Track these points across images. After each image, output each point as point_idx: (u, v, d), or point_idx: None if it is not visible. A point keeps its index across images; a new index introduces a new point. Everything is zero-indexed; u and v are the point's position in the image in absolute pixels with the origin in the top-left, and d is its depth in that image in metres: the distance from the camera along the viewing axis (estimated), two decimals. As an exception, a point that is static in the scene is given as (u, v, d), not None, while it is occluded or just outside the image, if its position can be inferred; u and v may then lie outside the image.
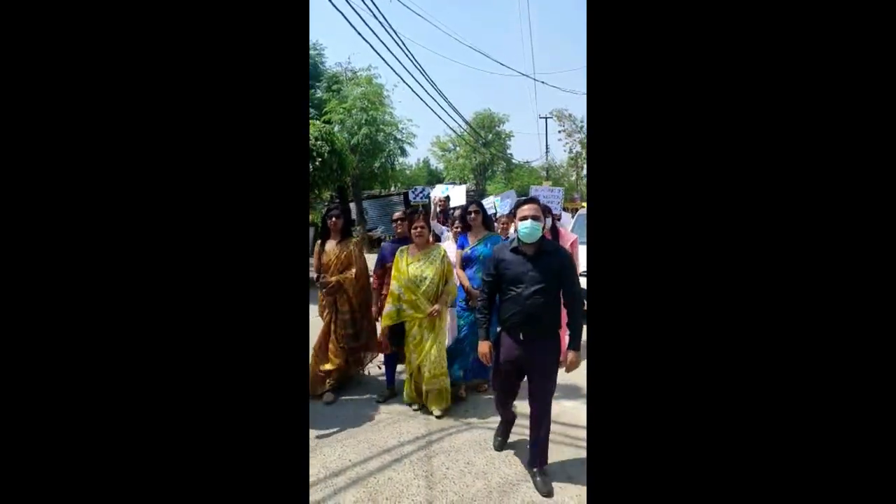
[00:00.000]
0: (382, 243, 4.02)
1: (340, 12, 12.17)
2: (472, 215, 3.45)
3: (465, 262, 3.44)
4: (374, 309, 3.42)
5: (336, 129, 12.11)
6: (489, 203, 6.93)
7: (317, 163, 7.75)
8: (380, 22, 8.04)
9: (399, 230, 3.53)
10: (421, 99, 47.03)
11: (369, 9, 10.98)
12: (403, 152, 15.43)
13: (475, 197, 7.24)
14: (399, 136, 14.44)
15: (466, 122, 19.97)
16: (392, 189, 17.21)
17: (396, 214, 3.59)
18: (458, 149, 27.53)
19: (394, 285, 3.16)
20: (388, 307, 3.17)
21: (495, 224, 3.86)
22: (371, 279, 3.49)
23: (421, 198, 6.14)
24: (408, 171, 24.24)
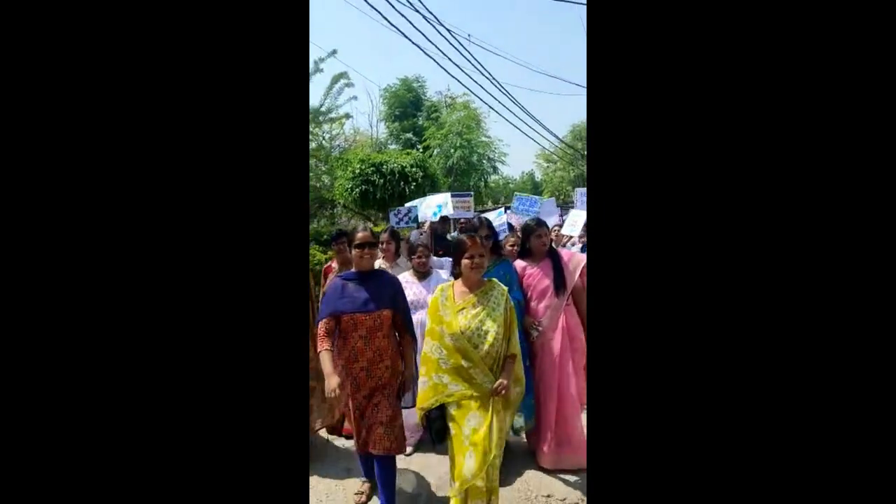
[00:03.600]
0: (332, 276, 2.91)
1: (440, 50, 13.61)
2: (483, 241, 2.39)
3: None
4: (330, 382, 2.05)
5: (436, 152, 13.52)
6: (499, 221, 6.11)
7: (412, 186, 9.07)
8: (470, 62, 9.16)
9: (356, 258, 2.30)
10: (512, 124, 47.70)
11: (462, 52, 12.24)
12: (496, 170, 16.41)
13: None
14: (492, 156, 15.47)
15: (558, 138, 20.46)
16: (489, 205, 18.25)
17: (360, 236, 2.25)
18: (559, 161, 27.73)
19: (430, 346, 2.05)
20: (423, 382, 2.06)
21: (507, 245, 3.11)
22: (320, 334, 2.19)
23: (406, 223, 5.26)
24: (511, 185, 25.09)
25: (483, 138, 14.92)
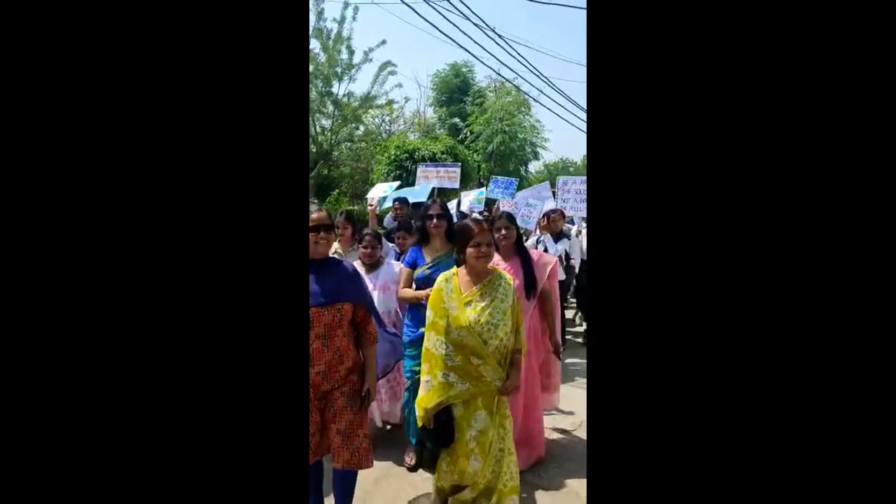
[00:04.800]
0: None
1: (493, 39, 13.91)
2: (434, 221, 2.49)
3: (417, 288, 2.49)
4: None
5: (481, 137, 14.09)
6: (469, 200, 5.56)
7: (439, 172, 9.79)
8: (518, 61, 9.59)
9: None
10: (556, 114, 46.34)
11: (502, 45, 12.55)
12: (536, 156, 16.66)
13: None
14: (534, 141, 15.73)
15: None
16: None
17: (313, 217, 1.94)
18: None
19: (434, 341, 1.94)
20: (426, 381, 1.92)
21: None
22: None
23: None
24: (551, 169, 25.02)
25: (526, 124, 15.19)
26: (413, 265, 2.58)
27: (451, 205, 6.05)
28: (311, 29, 12.31)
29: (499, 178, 6.32)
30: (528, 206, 4.95)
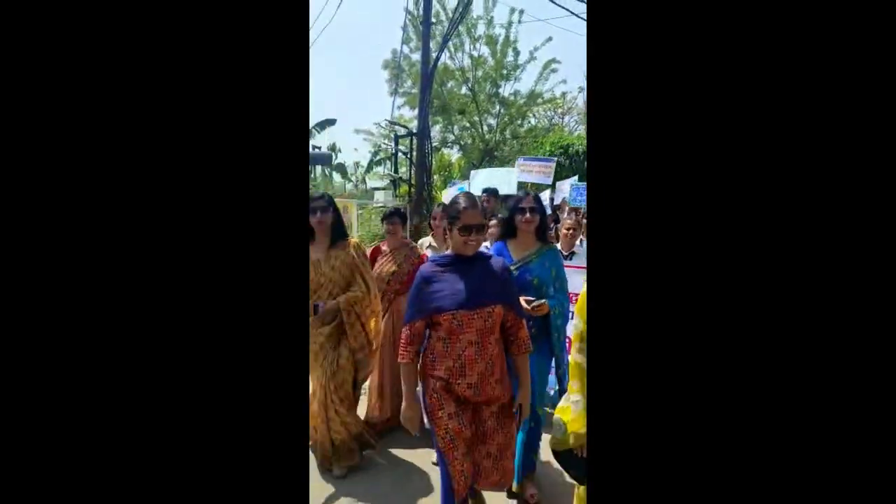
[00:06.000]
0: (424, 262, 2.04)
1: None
2: (526, 216, 2.11)
3: None
4: (406, 410, 1.73)
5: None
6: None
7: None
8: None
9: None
10: None
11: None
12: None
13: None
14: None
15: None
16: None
17: (469, 215, 1.68)
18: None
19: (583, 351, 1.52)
20: (576, 401, 1.53)
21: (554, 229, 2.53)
22: (403, 341, 1.72)
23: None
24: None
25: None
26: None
27: (544, 195, 5.99)
28: (482, 37, 13.41)
29: (580, 184, 6.12)
30: None
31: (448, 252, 1.79)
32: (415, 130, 8.70)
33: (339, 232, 2.37)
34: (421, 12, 8.19)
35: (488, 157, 14.08)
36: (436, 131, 15.08)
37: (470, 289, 1.66)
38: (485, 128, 14.45)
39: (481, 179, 6.26)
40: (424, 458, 2.54)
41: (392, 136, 10.86)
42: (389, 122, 11.09)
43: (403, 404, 1.73)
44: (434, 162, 10.85)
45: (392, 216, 2.91)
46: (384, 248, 2.91)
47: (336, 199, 2.66)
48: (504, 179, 6.13)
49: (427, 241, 3.14)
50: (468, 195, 1.75)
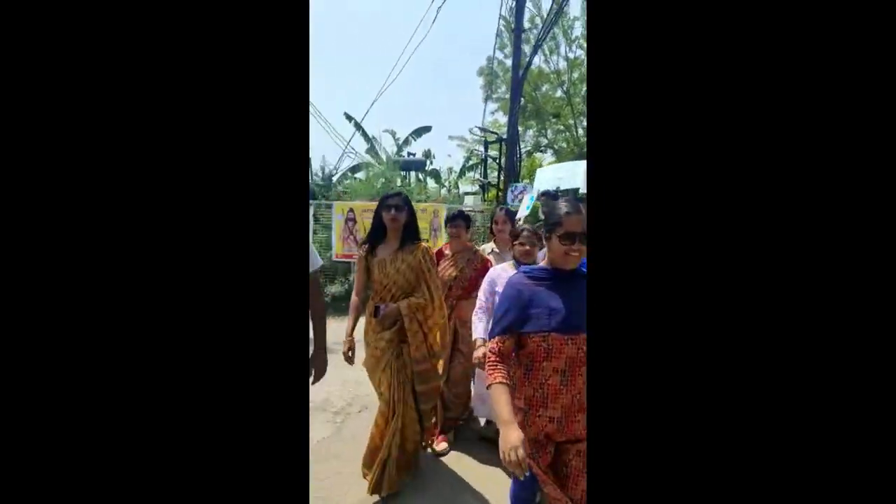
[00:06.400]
0: (494, 265, 2.58)
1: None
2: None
3: None
4: (509, 436, 1.32)
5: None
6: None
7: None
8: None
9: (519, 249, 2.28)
10: None
11: None
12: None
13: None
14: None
15: None
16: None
17: (572, 221, 1.49)
18: None
19: None
20: None
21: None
22: (493, 358, 1.49)
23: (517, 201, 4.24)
24: None
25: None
26: None
27: None
28: (579, 39, 13.08)
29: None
30: None
31: (543, 264, 1.59)
32: (504, 136, 8.81)
33: (411, 233, 2.22)
34: (513, 19, 8.27)
35: (582, 160, 13.69)
36: (529, 136, 15.03)
37: (568, 309, 1.43)
38: (580, 131, 14.08)
39: (547, 177, 5.75)
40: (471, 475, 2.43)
41: (483, 141, 11.07)
42: (480, 128, 11.31)
43: (502, 438, 1.30)
44: (523, 167, 10.85)
45: (455, 219, 2.82)
46: (446, 251, 2.85)
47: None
48: (570, 172, 5.42)
49: (490, 246, 3.00)
50: (569, 200, 1.51)
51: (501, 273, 2.35)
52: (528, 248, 2.28)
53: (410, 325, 2.15)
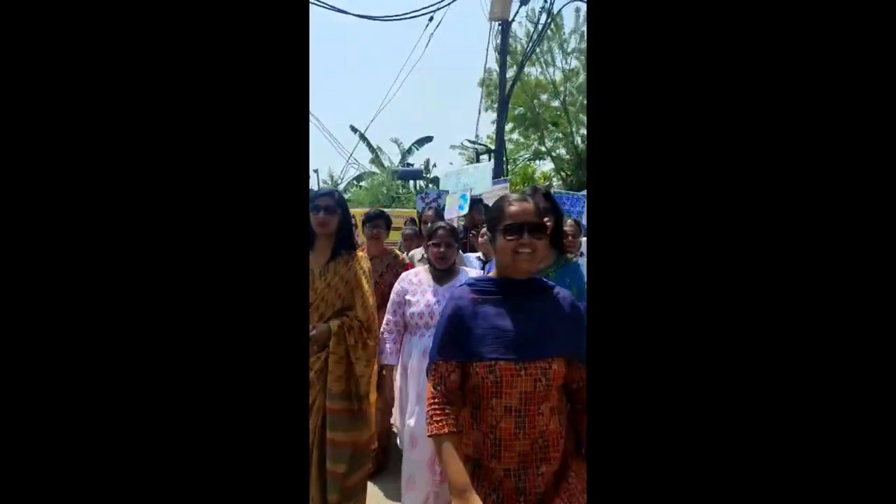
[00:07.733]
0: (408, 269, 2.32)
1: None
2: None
3: None
4: (466, 500, 1.07)
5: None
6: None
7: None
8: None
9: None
10: None
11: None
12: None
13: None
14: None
15: None
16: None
17: (514, 211, 1.22)
18: None
19: None
20: None
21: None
22: (433, 398, 1.18)
23: (433, 204, 4.18)
24: None
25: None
26: None
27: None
28: (575, 51, 13.69)
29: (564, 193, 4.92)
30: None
31: (491, 274, 1.28)
32: (493, 148, 9.57)
33: (344, 241, 1.87)
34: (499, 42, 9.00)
35: (582, 166, 14.28)
36: (526, 145, 15.68)
37: (520, 331, 1.15)
38: (578, 139, 14.64)
39: (453, 181, 5.43)
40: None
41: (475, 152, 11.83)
42: (469, 141, 12.10)
43: (456, 495, 1.08)
44: (513, 174, 11.51)
45: (375, 219, 2.46)
46: (362, 254, 2.37)
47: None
48: (477, 178, 5.19)
49: (419, 252, 2.59)
50: (518, 191, 1.31)
51: (413, 279, 2.01)
52: (442, 250, 1.94)
53: (336, 349, 1.77)
